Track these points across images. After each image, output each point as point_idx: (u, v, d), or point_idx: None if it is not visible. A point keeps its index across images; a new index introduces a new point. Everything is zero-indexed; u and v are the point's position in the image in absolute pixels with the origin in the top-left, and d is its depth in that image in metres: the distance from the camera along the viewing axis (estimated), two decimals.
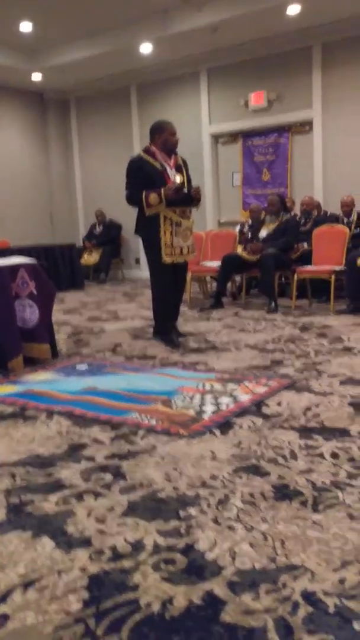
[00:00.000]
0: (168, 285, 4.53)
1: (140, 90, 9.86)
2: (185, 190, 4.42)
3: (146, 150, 4.52)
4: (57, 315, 5.76)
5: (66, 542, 1.73)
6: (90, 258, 9.96)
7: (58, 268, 8.58)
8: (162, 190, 4.28)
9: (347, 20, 7.58)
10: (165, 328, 4.63)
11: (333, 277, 5.92)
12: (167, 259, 4.43)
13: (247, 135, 9.00)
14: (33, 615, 1.40)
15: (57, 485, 2.11)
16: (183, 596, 1.45)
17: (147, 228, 4.46)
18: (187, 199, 4.46)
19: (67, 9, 7.51)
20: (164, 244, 4.40)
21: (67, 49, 8.78)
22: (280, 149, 8.73)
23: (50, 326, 4.22)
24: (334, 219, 6.83)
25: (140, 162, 4.45)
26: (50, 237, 10.54)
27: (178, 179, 4.41)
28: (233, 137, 9.17)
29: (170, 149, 4.49)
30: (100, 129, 10.50)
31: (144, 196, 4.32)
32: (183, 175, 4.49)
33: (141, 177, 4.38)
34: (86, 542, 1.72)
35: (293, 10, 7.17)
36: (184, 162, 4.62)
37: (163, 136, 4.45)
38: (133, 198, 4.44)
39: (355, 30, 7.68)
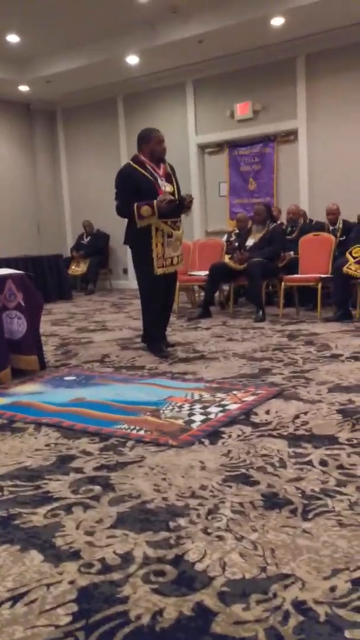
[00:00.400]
0: (158, 295, 4.51)
1: (127, 101, 9.91)
2: (177, 200, 4.35)
3: (135, 160, 4.45)
4: (45, 326, 5.75)
5: (55, 555, 1.71)
6: (78, 268, 9.94)
7: (46, 279, 8.56)
8: (155, 202, 4.23)
9: (330, 32, 7.70)
10: (154, 338, 4.62)
11: (320, 284, 5.96)
12: (159, 271, 4.39)
13: (233, 145, 9.06)
14: (22, 629, 1.39)
15: (46, 498, 2.10)
16: (173, 607, 1.44)
17: (138, 239, 4.40)
18: (179, 208, 4.42)
19: (53, 20, 7.55)
20: (156, 256, 4.36)
21: (54, 60, 8.82)
22: (266, 158, 8.80)
23: (38, 337, 4.20)
24: (320, 227, 6.89)
25: (129, 171, 4.40)
26: (38, 247, 10.51)
27: (169, 189, 4.37)
28: (219, 147, 9.23)
29: (158, 157, 4.43)
30: (88, 140, 10.53)
31: (135, 208, 4.26)
32: (173, 185, 4.46)
33: (131, 186, 4.32)
34: (75, 555, 1.71)
35: (277, 22, 7.26)
36: (172, 169, 4.58)
37: (150, 145, 4.40)
38: (123, 209, 4.38)
39: (337, 42, 7.80)
